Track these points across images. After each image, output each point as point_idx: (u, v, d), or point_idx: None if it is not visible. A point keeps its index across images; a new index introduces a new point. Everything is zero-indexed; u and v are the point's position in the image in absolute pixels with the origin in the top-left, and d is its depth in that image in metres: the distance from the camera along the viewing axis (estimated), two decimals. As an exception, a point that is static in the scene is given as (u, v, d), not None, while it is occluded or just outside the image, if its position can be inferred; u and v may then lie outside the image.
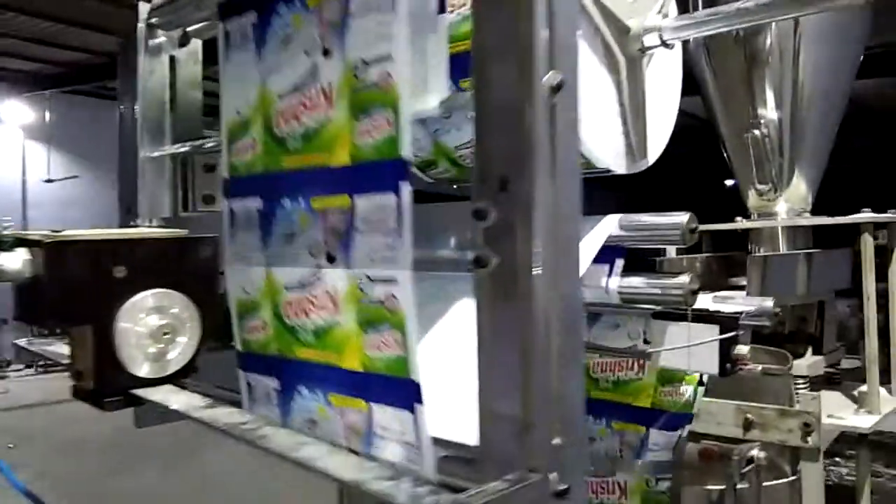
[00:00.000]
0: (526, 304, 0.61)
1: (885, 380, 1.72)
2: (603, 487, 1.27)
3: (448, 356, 0.79)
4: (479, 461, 0.62)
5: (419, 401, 0.69)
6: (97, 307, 0.73)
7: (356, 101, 0.71)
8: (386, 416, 0.71)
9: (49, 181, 10.11)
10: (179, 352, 0.79)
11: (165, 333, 0.77)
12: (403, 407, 0.71)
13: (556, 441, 0.63)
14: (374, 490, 0.57)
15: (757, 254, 1.77)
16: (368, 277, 0.71)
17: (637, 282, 0.97)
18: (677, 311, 1.10)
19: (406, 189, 0.65)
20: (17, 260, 0.69)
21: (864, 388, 1.67)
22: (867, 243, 1.59)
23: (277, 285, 0.80)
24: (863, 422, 1.57)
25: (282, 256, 0.80)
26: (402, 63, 0.66)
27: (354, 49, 0.71)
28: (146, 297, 0.76)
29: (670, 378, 1.23)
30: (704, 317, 1.06)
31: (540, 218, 0.61)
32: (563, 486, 0.63)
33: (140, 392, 0.75)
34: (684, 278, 0.92)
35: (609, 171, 0.99)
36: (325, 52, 0.75)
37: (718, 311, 1.06)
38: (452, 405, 0.73)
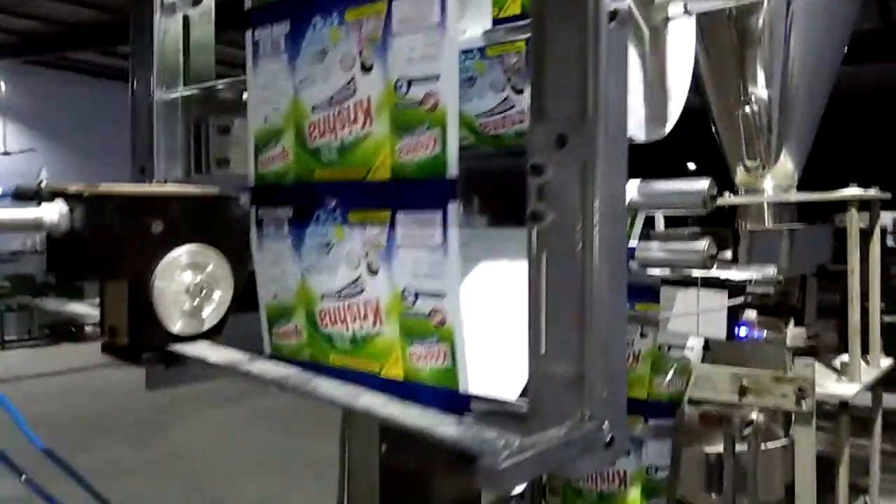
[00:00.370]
0: (581, 260, 0.62)
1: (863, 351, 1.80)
2: (602, 477, 1.28)
3: (483, 313, 0.80)
4: (530, 414, 0.63)
5: (467, 409, 0.69)
6: (135, 261, 0.72)
7: (398, 118, 0.71)
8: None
9: (6, 154, 9.80)
10: (213, 309, 0.78)
11: (201, 290, 0.76)
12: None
13: (605, 394, 0.65)
14: (442, 435, 0.58)
15: (743, 229, 1.81)
16: (414, 291, 0.71)
17: (654, 246, 0.99)
18: (686, 279, 1.13)
19: (453, 207, 0.65)
20: (54, 212, 0.68)
21: (845, 358, 1.73)
22: (853, 218, 1.64)
23: (313, 294, 0.79)
24: (845, 390, 1.63)
25: (317, 266, 0.78)
26: (450, 83, 0.66)
27: (397, 67, 0.71)
28: (183, 253, 0.76)
29: (664, 368, 1.25)
30: (713, 283, 1.09)
31: (596, 174, 0.62)
32: (610, 437, 0.65)
33: (178, 347, 0.74)
34: (703, 242, 0.95)
35: (630, 139, 1.01)
36: (365, 68, 0.74)
37: (728, 279, 1.10)
38: (490, 361, 0.75)
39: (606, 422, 0.61)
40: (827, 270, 1.95)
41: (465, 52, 0.96)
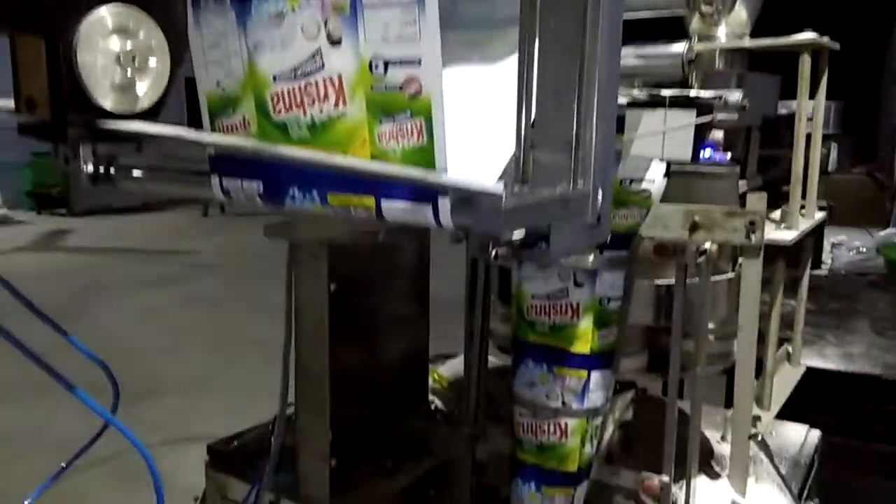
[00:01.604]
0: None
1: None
2: (556, 309, 1.27)
3: (460, 98, 0.73)
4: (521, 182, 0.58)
5: (444, 192, 0.64)
6: (52, 15, 0.61)
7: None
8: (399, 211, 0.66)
9: None
10: (149, 85, 0.69)
11: (133, 59, 0.66)
12: (422, 200, 0.66)
13: (594, 165, 0.60)
14: (435, 181, 0.53)
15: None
16: (383, 59, 0.64)
17: (629, 52, 0.94)
18: (655, 98, 1.08)
19: None
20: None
21: (785, 206, 1.77)
22: (805, 62, 1.64)
23: (262, 76, 0.71)
24: (785, 236, 1.67)
25: (268, 42, 0.70)
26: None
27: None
28: (108, 14, 0.65)
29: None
30: (681, 102, 1.05)
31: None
32: (598, 216, 0.61)
33: (111, 124, 0.65)
34: (681, 45, 0.90)
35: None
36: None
37: (698, 97, 1.06)
38: (467, 145, 0.69)
39: (599, 188, 0.57)
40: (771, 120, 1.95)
41: None
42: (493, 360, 1.87)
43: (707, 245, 1.22)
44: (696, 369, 1.28)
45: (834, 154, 9.87)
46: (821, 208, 2.05)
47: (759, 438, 1.30)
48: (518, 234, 0.58)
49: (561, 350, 1.25)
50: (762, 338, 1.83)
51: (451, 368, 2.18)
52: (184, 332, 6.77)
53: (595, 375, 1.26)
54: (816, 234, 2.21)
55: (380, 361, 1.51)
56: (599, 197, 0.57)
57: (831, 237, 7.33)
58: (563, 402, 1.26)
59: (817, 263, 4.66)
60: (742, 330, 1.35)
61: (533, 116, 0.55)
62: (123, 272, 8.93)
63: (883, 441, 3.76)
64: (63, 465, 1.25)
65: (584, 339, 1.23)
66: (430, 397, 1.89)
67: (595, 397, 1.27)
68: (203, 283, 8.52)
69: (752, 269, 1.32)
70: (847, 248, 7.44)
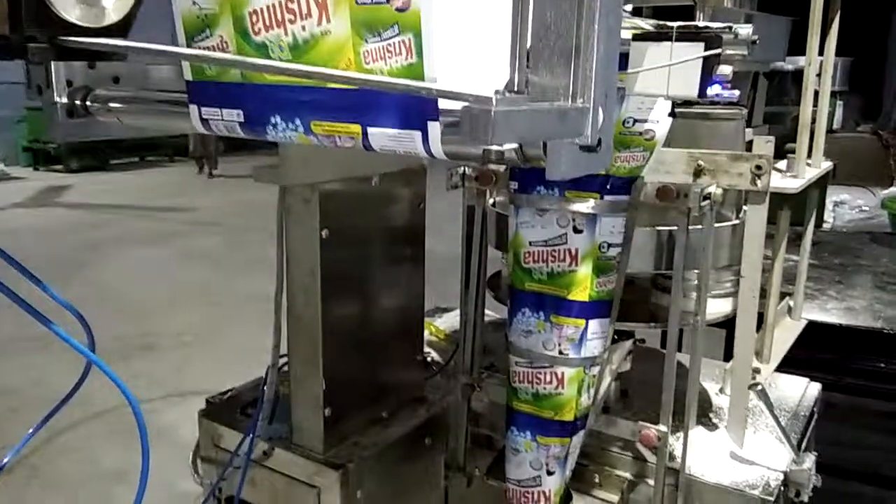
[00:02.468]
0: None
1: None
2: (553, 255, 1.24)
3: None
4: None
5: (434, 117, 0.59)
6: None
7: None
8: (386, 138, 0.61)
9: None
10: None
11: (98, -31, 0.61)
12: (411, 127, 0.61)
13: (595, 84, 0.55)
14: (436, 89, 0.48)
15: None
16: None
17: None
18: (661, 31, 1.03)
19: None
20: None
21: (791, 155, 1.72)
22: (817, 4, 1.57)
23: None
24: (791, 184, 1.63)
25: None
26: None
27: None
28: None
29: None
30: (689, 35, 1.00)
31: None
32: (598, 139, 0.57)
33: (76, 40, 0.60)
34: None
35: None
36: None
37: (707, 27, 1.00)
38: (460, 63, 0.64)
39: (601, 107, 0.53)
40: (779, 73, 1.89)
41: None
42: (490, 313, 1.85)
43: (712, 189, 1.18)
44: (696, 318, 1.25)
45: (839, 112, 9.73)
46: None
47: (759, 388, 1.28)
48: (510, 146, 0.53)
49: (558, 298, 1.22)
50: (763, 292, 1.80)
51: (447, 322, 2.16)
52: (183, 287, 6.76)
53: (593, 324, 1.23)
54: (821, 188, 2.17)
55: (373, 311, 1.48)
56: (600, 117, 0.53)
57: (834, 196, 7.28)
58: (560, 351, 1.23)
59: (819, 222, 4.63)
60: (745, 278, 1.32)
61: (530, 25, 0.51)
62: (121, 228, 8.89)
63: (881, 398, 3.77)
64: (37, 425, 1.23)
65: (583, 286, 1.20)
66: (426, 349, 1.87)
67: (592, 346, 1.24)
68: (202, 240, 8.49)
69: (756, 216, 1.28)
70: (850, 206, 7.39)
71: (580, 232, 1.19)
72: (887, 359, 3.53)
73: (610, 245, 1.21)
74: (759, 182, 1.24)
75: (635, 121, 1.17)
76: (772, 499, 1.23)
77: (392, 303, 1.53)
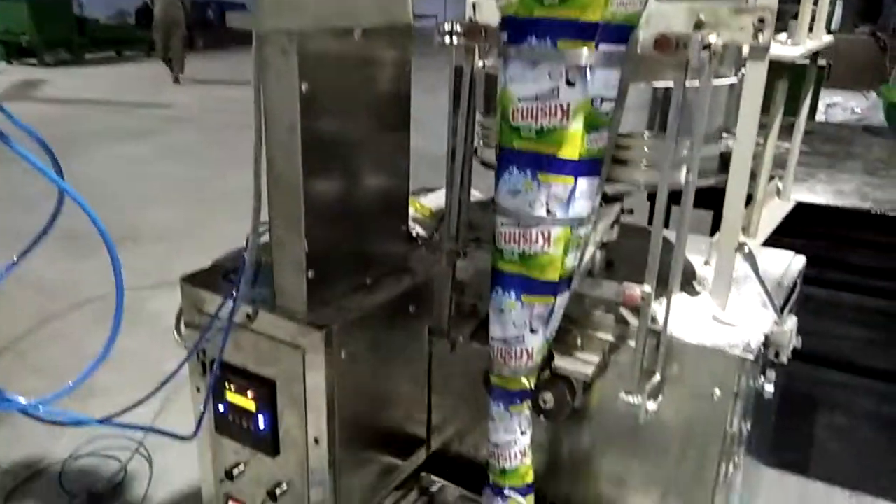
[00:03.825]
0: None
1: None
2: (544, 111, 1.19)
3: None
4: None
5: None
6: None
7: None
8: None
9: None
10: None
11: None
12: None
13: None
14: None
15: None
16: None
17: None
18: None
19: None
20: None
21: (793, 21, 1.66)
22: None
23: None
24: (790, 52, 1.57)
25: None
26: None
27: None
28: None
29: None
30: None
31: None
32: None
33: None
34: None
35: None
36: None
37: None
38: None
39: None
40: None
41: None
42: (476, 193, 1.81)
43: (712, 39, 1.12)
44: (689, 173, 1.22)
45: (838, 11, 9.48)
46: (820, 67, 1.93)
47: (747, 250, 1.27)
48: None
49: (548, 156, 1.18)
50: (753, 175, 1.78)
51: (433, 200, 2.14)
52: (163, 182, 6.67)
53: (582, 183, 1.20)
54: (817, 82, 2.11)
55: (356, 176, 1.44)
56: None
57: (826, 98, 7.19)
58: (548, 211, 1.21)
59: (812, 115, 4.57)
60: (739, 141, 1.29)
61: None
62: (100, 123, 8.67)
63: (858, 292, 3.86)
64: (14, 259, 1.20)
65: (573, 143, 1.16)
66: (412, 225, 1.85)
67: (581, 206, 1.21)
68: (181, 136, 8.32)
69: (756, 74, 1.23)
70: (842, 108, 7.32)
71: (572, 85, 1.14)
72: (871, 251, 3.59)
73: (603, 100, 1.16)
74: (760, 37, 1.19)
75: None
76: (751, 357, 1.25)
77: (375, 170, 1.49)
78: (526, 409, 1.35)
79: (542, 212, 1.20)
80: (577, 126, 1.16)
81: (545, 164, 1.19)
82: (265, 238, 1.43)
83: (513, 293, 1.27)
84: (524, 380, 1.32)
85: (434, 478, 1.75)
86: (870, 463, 3.16)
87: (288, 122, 1.27)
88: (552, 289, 1.25)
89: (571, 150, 1.17)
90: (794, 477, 3.06)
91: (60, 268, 4.72)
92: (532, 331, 1.28)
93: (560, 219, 1.20)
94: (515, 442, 1.37)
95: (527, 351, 1.29)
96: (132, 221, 5.50)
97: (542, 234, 1.22)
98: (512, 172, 1.22)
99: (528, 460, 1.39)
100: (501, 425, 1.36)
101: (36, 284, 4.55)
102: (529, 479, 1.40)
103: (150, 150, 7.70)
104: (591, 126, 1.17)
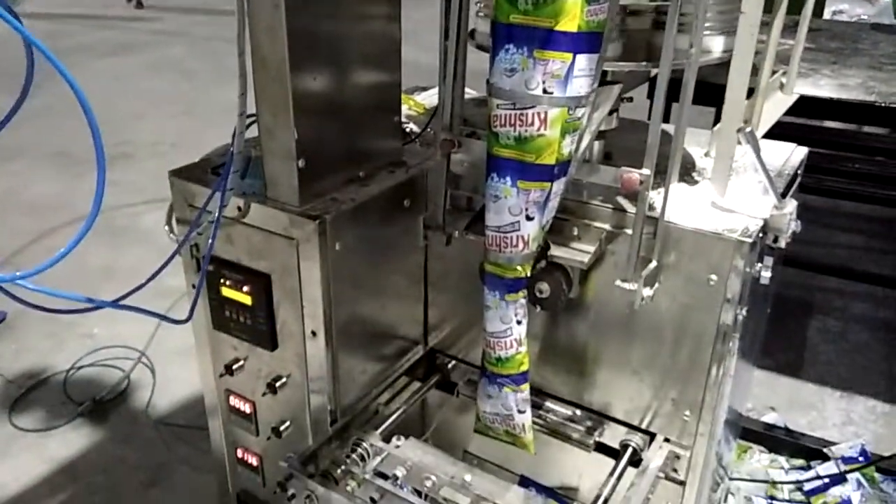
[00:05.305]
0: None
1: None
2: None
3: None
4: None
5: None
6: None
7: None
8: None
9: None
10: None
11: None
12: None
13: None
14: None
15: None
16: None
17: None
18: None
19: None
20: None
21: None
22: None
23: None
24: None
25: None
26: None
27: None
28: None
29: None
30: None
31: None
32: None
33: None
34: None
35: None
36: None
37: None
38: None
39: None
40: None
41: None
42: (471, 91, 1.76)
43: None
44: (691, 49, 1.17)
45: None
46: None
47: (748, 130, 1.23)
48: None
49: (544, 30, 1.13)
50: (755, 70, 1.71)
51: (427, 97, 2.08)
52: (154, 98, 6.52)
53: (580, 59, 1.15)
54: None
55: (345, 64, 1.39)
56: None
57: (832, 6, 6.95)
58: (545, 90, 1.16)
59: (819, 13, 4.42)
60: (745, 14, 1.23)
61: None
62: (86, 39, 8.41)
63: (855, 199, 3.83)
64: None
65: (572, 13, 1.10)
66: (405, 121, 1.80)
67: (579, 85, 1.17)
68: (170, 51, 8.08)
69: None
70: (848, 16, 7.09)
71: None
72: (867, 156, 3.54)
73: None
74: None
75: None
76: (749, 240, 1.23)
77: (366, 59, 1.43)
78: (521, 297, 1.35)
79: (538, 91, 1.16)
80: None
81: (542, 39, 1.13)
82: (256, 133, 1.39)
83: (508, 179, 1.24)
84: (520, 268, 1.31)
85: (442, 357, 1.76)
86: (862, 364, 3.22)
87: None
88: (548, 173, 1.22)
89: (570, 21, 1.11)
90: (786, 378, 3.12)
91: (55, 187, 4.68)
92: (528, 217, 1.26)
93: (557, 98, 1.16)
94: (510, 331, 1.37)
95: (522, 238, 1.27)
96: (124, 138, 5.41)
97: (539, 116, 1.18)
98: (508, 50, 1.17)
99: (523, 349, 1.39)
100: (497, 314, 1.36)
101: (31, 203, 4.51)
102: (525, 367, 1.41)
103: (139, 65, 7.50)
104: None
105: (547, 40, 1.13)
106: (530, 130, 1.19)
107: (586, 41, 1.14)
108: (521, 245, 1.28)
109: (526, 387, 1.43)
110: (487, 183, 1.28)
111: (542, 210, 1.25)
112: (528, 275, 1.32)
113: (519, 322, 1.37)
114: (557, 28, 1.11)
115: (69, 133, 4.43)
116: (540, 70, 1.15)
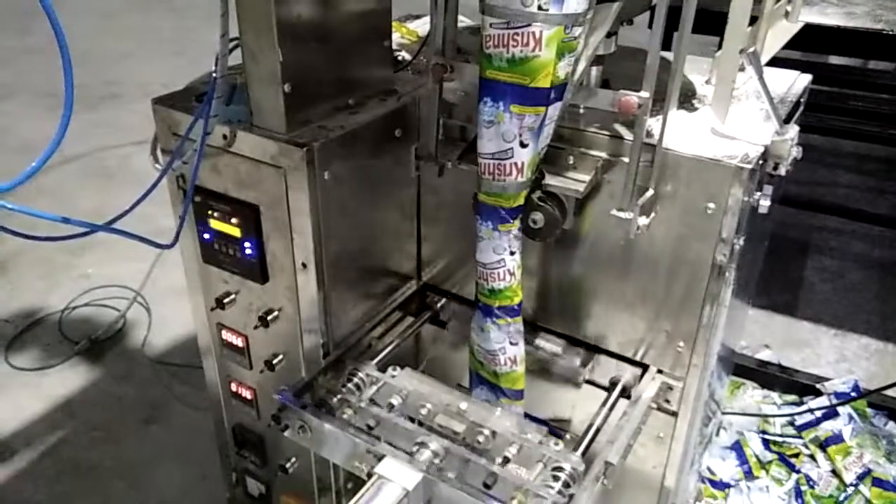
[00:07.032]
0: None
1: None
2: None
3: None
4: None
5: None
6: None
7: None
8: None
9: None
10: None
11: None
12: None
13: None
14: None
15: None
16: None
17: None
18: None
19: None
20: None
21: None
22: None
23: None
24: None
25: None
26: None
27: None
28: None
29: None
30: None
31: None
32: None
33: None
34: None
35: None
36: None
37: None
38: None
39: None
40: None
41: None
42: (464, 19, 1.69)
43: None
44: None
45: None
46: None
47: (751, 51, 1.19)
48: None
49: None
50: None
51: (419, 24, 2.01)
52: (142, 36, 6.36)
53: None
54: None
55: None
56: None
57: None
58: (540, 7, 1.11)
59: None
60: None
61: None
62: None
63: (857, 139, 3.78)
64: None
65: None
66: (397, 49, 1.75)
67: (576, 1, 1.11)
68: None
69: None
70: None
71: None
72: (871, 93, 3.47)
73: None
74: None
75: None
76: (749, 166, 1.20)
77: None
78: (515, 228, 1.32)
79: (533, 8, 1.11)
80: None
81: None
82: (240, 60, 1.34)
83: (501, 103, 1.20)
84: (513, 197, 1.28)
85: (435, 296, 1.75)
86: (857, 303, 3.23)
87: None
88: (543, 97, 1.18)
89: None
90: (782, 317, 3.13)
91: (43, 127, 4.59)
92: (522, 144, 1.22)
93: (553, 15, 1.11)
94: (503, 262, 1.35)
95: (516, 165, 1.24)
96: (112, 78, 5.29)
97: (534, 36, 1.12)
98: None
99: (516, 281, 1.37)
100: (490, 245, 1.34)
101: (19, 144, 4.43)
102: (518, 299, 1.40)
103: (125, 2, 7.29)
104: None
105: None
106: (525, 51, 1.14)
107: None
108: (514, 173, 1.24)
109: (519, 319, 1.42)
110: (479, 108, 1.24)
111: (537, 136, 1.21)
112: (522, 204, 1.29)
113: (512, 253, 1.35)
114: None
115: (57, 75, 4.33)
116: None
